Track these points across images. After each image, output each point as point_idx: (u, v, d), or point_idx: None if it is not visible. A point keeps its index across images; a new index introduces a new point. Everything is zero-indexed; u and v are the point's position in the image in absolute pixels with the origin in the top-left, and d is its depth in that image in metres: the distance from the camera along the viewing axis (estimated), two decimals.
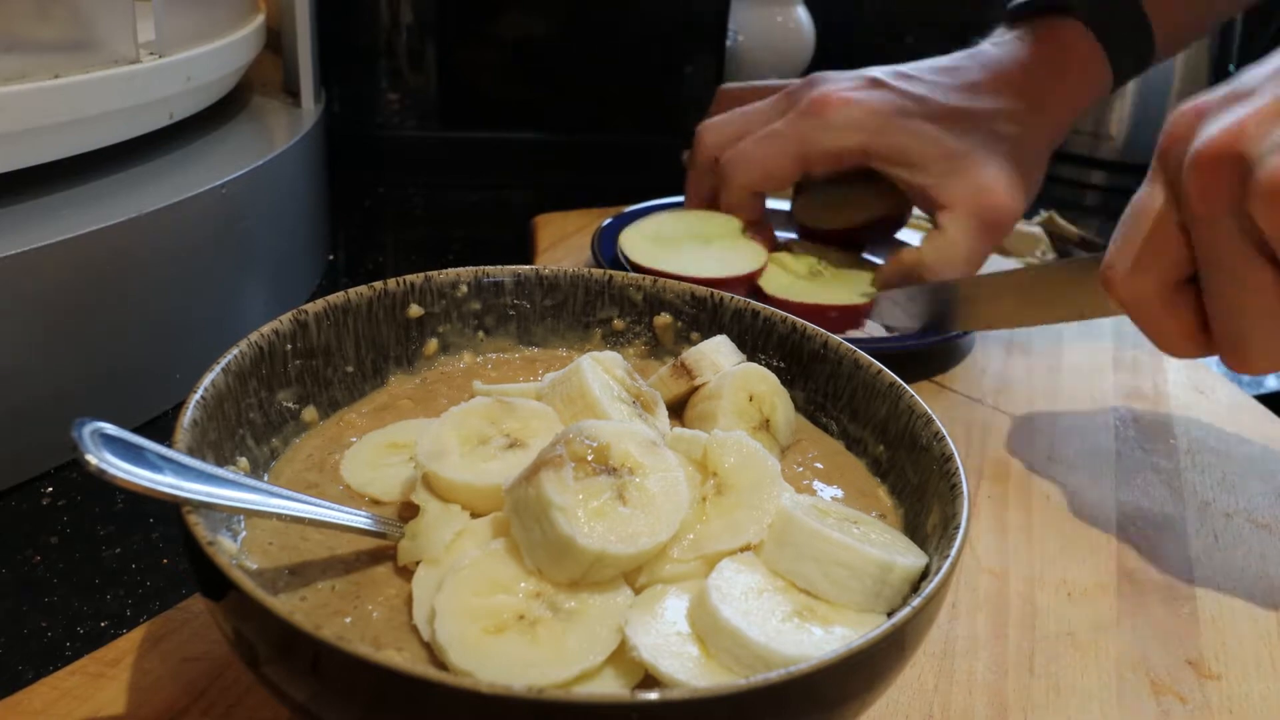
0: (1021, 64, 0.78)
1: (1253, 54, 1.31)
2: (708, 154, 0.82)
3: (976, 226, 0.75)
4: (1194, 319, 0.51)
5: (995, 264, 0.95)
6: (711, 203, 0.83)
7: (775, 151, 0.77)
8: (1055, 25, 0.79)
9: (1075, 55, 0.78)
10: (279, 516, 0.37)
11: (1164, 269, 0.51)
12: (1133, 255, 0.52)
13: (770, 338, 0.54)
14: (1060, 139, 0.81)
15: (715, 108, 0.88)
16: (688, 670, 0.35)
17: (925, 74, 0.79)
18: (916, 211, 0.85)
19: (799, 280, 0.79)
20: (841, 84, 0.78)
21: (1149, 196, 0.51)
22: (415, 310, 0.52)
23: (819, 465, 0.49)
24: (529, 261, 0.91)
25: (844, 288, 0.79)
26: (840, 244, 0.85)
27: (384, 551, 0.41)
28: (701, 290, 0.55)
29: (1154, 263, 0.51)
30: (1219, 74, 1.27)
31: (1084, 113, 0.83)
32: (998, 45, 0.81)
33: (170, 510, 0.34)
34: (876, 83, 0.78)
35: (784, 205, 0.91)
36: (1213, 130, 0.47)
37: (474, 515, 0.40)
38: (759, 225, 0.82)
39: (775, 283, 0.77)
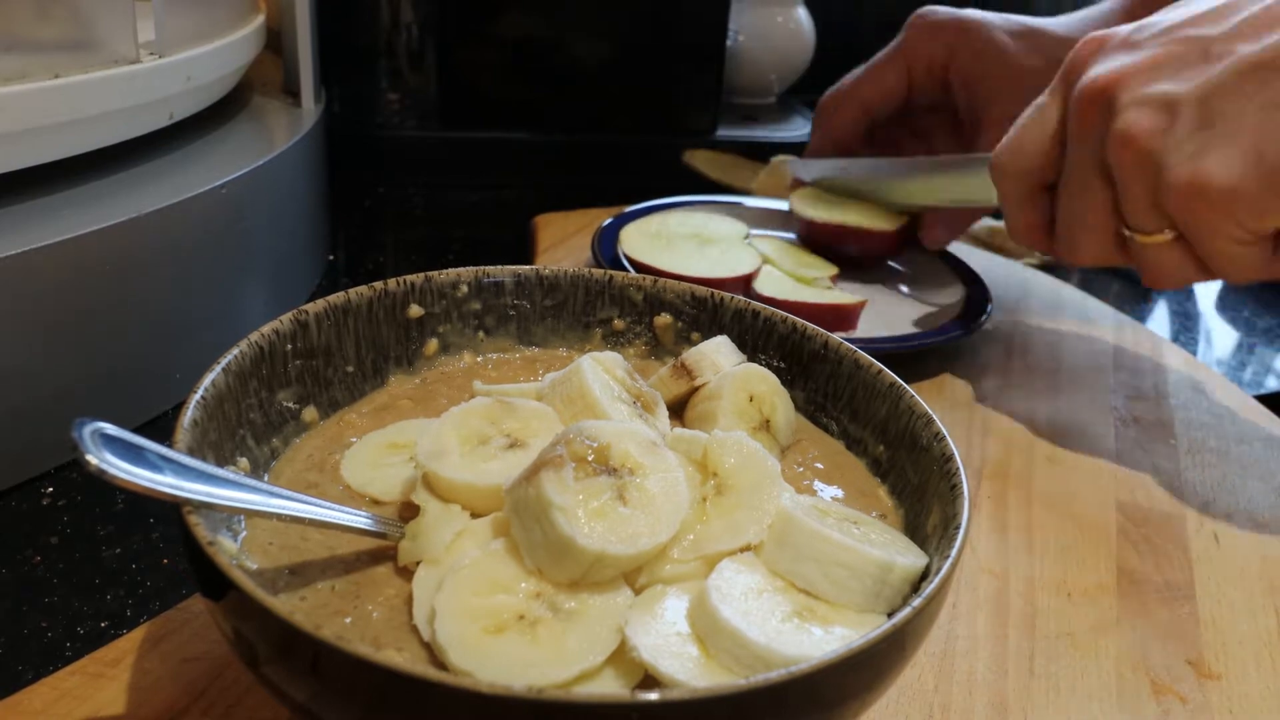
0: None
1: None
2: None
3: None
4: (1044, 216, 0.63)
5: (996, 263, 0.95)
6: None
7: (880, 73, 0.86)
8: None
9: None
10: (279, 516, 0.37)
11: (1038, 170, 0.62)
12: (1019, 152, 0.62)
13: (770, 338, 0.54)
14: None
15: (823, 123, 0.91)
16: (688, 670, 0.35)
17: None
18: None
19: (792, 283, 0.79)
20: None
21: (1046, 108, 0.62)
22: (415, 310, 0.52)
23: (819, 465, 0.49)
24: (529, 261, 0.91)
25: (836, 290, 0.79)
26: (829, 248, 0.85)
27: (384, 551, 0.41)
28: (702, 290, 0.55)
29: (1032, 163, 0.62)
30: None
31: None
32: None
33: (170, 510, 0.34)
34: (949, 10, 0.84)
35: (783, 205, 0.92)
36: (1100, 69, 0.57)
37: (474, 515, 0.40)
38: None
39: (769, 285, 0.78)
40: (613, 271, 0.56)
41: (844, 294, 0.78)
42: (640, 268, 0.76)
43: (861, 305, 0.76)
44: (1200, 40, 0.55)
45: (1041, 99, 0.62)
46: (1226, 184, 0.52)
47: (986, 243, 1.00)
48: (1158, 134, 0.54)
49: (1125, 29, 0.59)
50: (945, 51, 0.82)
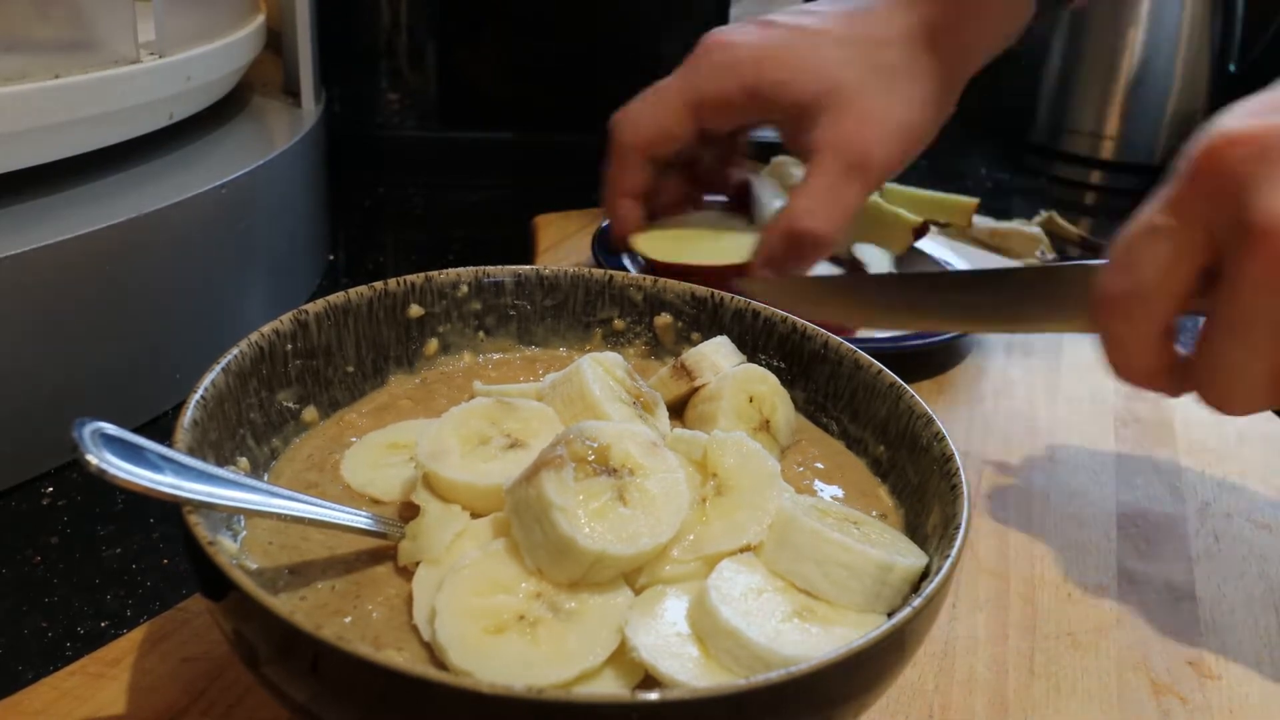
0: None
1: (1252, 54, 1.31)
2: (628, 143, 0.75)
3: (839, 170, 0.67)
4: (1174, 357, 0.48)
5: (996, 263, 0.95)
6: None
7: (663, 103, 0.72)
8: None
9: None
10: (279, 516, 0.37)
11: (1175, 307, 0.46)
12: (1141, 283, 0.46)
13: (770, 338, 0.54)
14: (974, 70, 0.71)
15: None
16: (687, 671, 0.35)
17: (821, 5, 0.73)
18: None
19: (682, 243, 0.74)
20: (730, 30, 0.73)
21: (1175, 221, 0.45)
22: (415, 310, 0.52)
23: (819, 465, 0.49)
24: (529, 261, 0.90)
25: (729, 246, 0.74)
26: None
27: (384, 551, 0.41)
28: (702, 290, 0.55)
29: (1165, 299, 0.46)
30: (1219, 74, 1.27)
31: (1004, 41, 0.72)
32: None
33: (170, 510, 0.34)
34: (766, 23, 0.72)
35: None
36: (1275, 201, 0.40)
37: (474, 515, 0.40)
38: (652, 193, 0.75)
39: (656, 247, 0.73)
40: (613, 271, 0.56)
41: (740, 250, 0.73)
42: (654, 266, 0.74)
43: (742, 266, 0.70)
44: None
45: (1163, 203, 0.45)
46: None
47: (986, 243, 1.00)
48: None
49: (1266, 115, 0.43)
50: (740, 90, 0.70)
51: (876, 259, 0.83)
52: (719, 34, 0.73)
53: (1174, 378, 0.48)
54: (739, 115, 0.73)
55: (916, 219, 0.83)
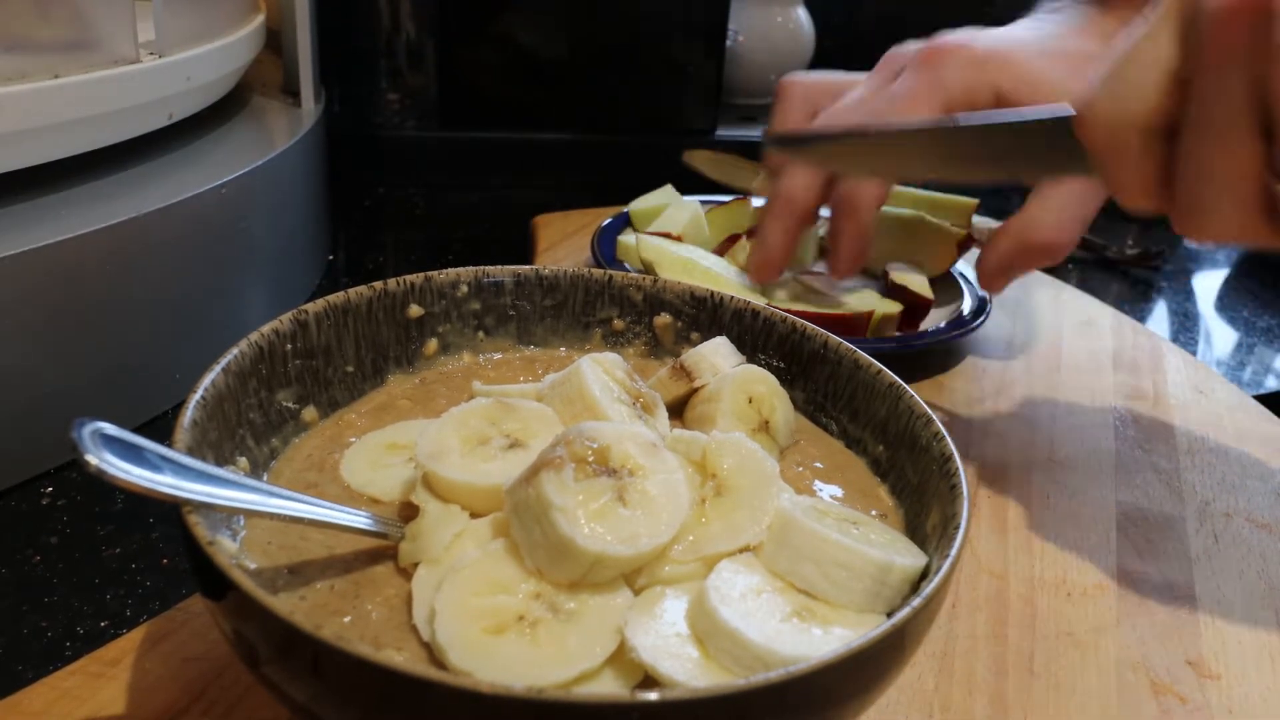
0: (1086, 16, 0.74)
1: None
2: (801, 112, 0.77)
3: (1079, 188, 0.68)
4: (1159, 173, 0.49)
5: None
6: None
7: (915, 106, 0.71)
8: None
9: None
10: (279, 516, 0.37)
11: (1152, 114, 0.48)
12: (1122, 96, 0.48)
13: (770, 338, 0.54)
14: None
15: (784, 102, 0.81)
16: (687, 671, 0.35)
17: (1027, 22, 0.75)
18: None
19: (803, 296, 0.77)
20: (957, 34, 0.74)
21: (1151, 39, 0.48)
22: (415, 310, 0.52)
23: (819, 465, 0.49)
24: (529, 261, 0.91)
25: (847, 298, 0.77)
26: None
27: (384, 551, 0.41)
28: (701, 290, 0.55)
29: (1143, 106, 0.48)
30: None
31: None
32: (1052, 12, 0.77)
33: (170, 510, 0.34)
34: (980, 32, 0.73)
35: None
36: None
37: (474, 516, 0.40)
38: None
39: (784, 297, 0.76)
40: (612, 271, 0.56)
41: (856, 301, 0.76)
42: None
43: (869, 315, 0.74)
44: None
45: (1144, 31, 0.49)
46: None
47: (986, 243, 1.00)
48: None
49: None
50: (988, 87, 0.71)
51: (914, 278, 0.80)
52: (951, 37, 0.73)
53: (1161, 196, 0.49)
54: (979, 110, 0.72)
55: (960, 231, 0.83)
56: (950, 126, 0.62)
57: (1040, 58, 0.72)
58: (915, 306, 0.76)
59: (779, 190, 0.74)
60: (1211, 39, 0.44)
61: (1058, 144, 0.52)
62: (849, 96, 0.77)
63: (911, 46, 0.75)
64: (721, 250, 0.83)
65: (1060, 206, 0.68)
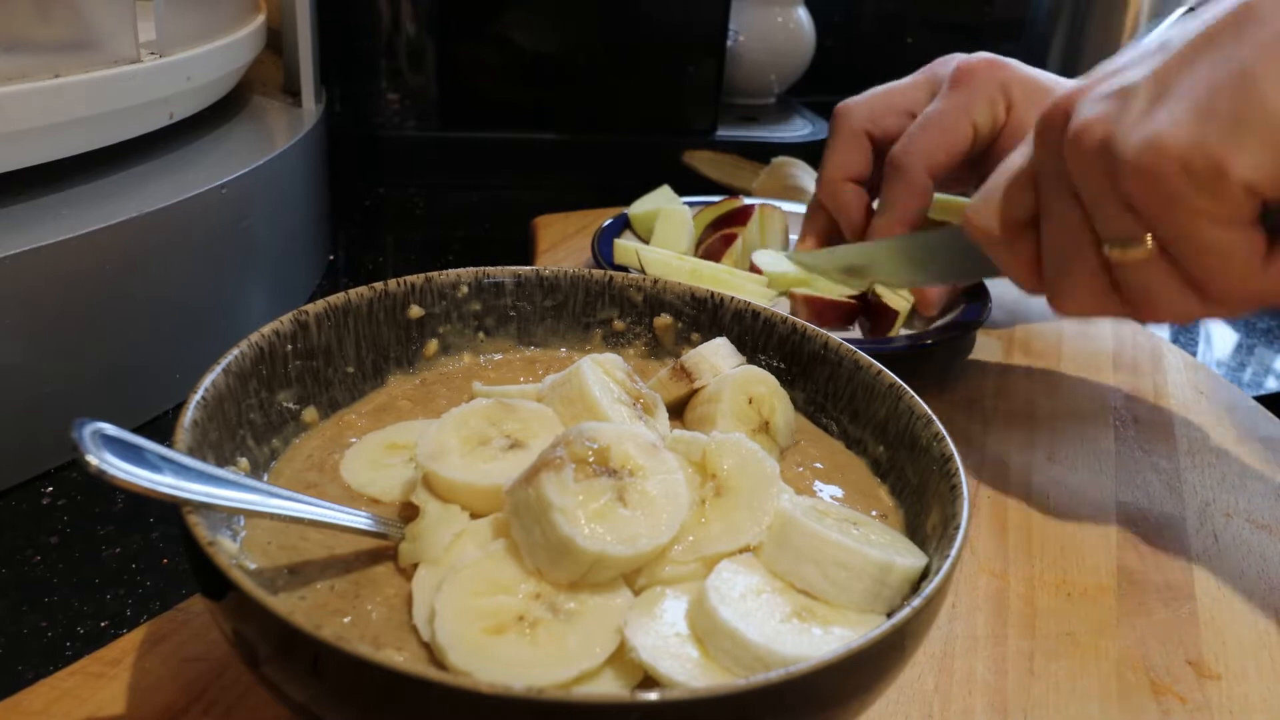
0: None
1: None
2: (857, 126, 0.82)
3: None
4: (1031, 256, 0.58)
5: None
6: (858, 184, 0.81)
7: (941, 134, 0.77)
8: None
9: None
10: (279, 517, 0.37)
11: (1009, 209, 0.58)
12: (990, 198, 0.59)
13: (770, 338, 0.54)
14: None
15: (837, 137, 0.85)
16: (687, 671, 0.35)
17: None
18: None
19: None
20: (974, 55, 0.79)
21: (1018, 156, 0.59)
22: (415, 311, 0.52)
23: (819, 465, 0.49)
24: (529, 262, 0.91)
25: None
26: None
27: (383, 551, 0.41)
28: (701, 291, 0.55)
29: (1004, 204, 0.59)
30: None
31: None
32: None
33: (170, 510, 0.34)
34: (1005, 58, 0.79)
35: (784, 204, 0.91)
36: (1059, 97, 0.54)
37: (474, 516, 0.40)
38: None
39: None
40: (613, 272, 0.56)
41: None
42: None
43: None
44: (1160, 45, 0.52)
45: (1013, 154, 0.59)
46: (1181, 140, 0.47)
47: None
48: (1108, 120, 0.50)
49: (1095, 72, 0.56)
50: (1005, 111, 0.76)
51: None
52: (985, 54, 0.79)
53: (1038, 278, 0.59)
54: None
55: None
56: (904, 239, 0.76)
57: (1058, 88, 0.76)
58: (882, 312, 0.76)
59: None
60: (1035, 142, 0.56)
61: (971, 246, 0.63)
62: (901, 122, 0.82)
63: (954, 60, 0.80)
64: (717, 252, 0.82)
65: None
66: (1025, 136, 0.73)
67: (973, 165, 0.79)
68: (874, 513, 0.46)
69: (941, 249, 0.71)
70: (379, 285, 0.50)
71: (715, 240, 0.83)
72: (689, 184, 1.01)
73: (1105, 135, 0.50)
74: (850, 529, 0.40)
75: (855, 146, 0.82)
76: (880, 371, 0.49)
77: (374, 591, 0.39)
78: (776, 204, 0.89)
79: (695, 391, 0.50)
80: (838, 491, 0.47)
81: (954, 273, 0.73)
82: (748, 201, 0.85)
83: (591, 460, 0.38)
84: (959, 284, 0.80)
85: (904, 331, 0.76)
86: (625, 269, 0.77)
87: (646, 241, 0.86)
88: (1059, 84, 0.78)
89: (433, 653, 0.35)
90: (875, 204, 0.80)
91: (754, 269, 0.79)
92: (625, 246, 0.79)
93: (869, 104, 0.82)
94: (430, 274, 0.52)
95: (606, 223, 0.86)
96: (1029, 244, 0.59)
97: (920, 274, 0.74)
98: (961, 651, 0.49)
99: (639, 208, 0.89)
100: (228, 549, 0.37)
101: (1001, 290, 0.89)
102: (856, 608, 0.38)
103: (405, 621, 0.37)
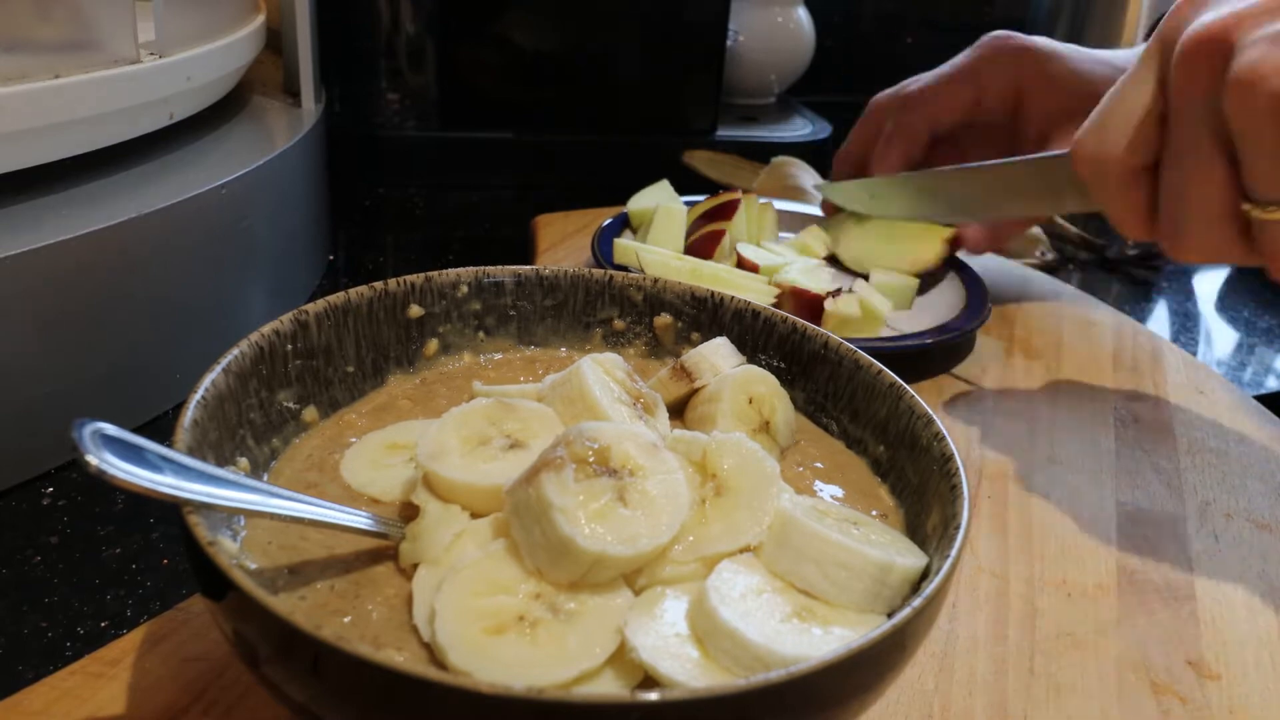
0: None
1: None
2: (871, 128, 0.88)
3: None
4: (1146, 202, 0.54)
5: (996, 263, 0.95)
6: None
7: (942, 95, 0.83)
8: None
9: None
10: (279, 516, 0.37)
11: (1132, 150, 0.54)
12: (1106, 133, 0.54)
13: (770, 338, 0.54)
14: None
15: (861, 121, 0.90)
16: (687, 671, 0.35)
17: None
18: None
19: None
20: (1004, 32, 0.84)
21: (1134, 81, 0.53)
22: (415, 310, 0.52)
23: (819, 465, 0.49)
24: (529, 262, 0.91)
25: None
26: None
27: (384, 551, 0.41)
28: (701, 290, 0.55)
29: (1124, 142, 0.54)
30: None
31: None
32: None
33: (170, 510, 0.34)
34: (1033, 38, 0.83)
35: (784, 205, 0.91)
36: (1206, 18, 0.48)
37: (474, 516, 0.40)
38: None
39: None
40: (613, 271, 0.56)
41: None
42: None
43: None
44: None
45: (1128, 74, 0.54)
46: None
47: None
48: (1267, 58, 0.45)
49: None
50: (1021, 79, 0.80)
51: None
52: (1011, 32, 0.84)
53: (1150, 223, 0.56)
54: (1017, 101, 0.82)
55: (950, 228, 0.83)
56: (971, 167, 0.75)
57: (1086, 61, 0.79)
58: (811, 302, 0.76)
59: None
60: (1179, 75, 0.49)
61: (1063, 179, 0.59)
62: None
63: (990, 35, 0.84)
64: (707, 248, 0.82)
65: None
66: (1054, 98, 0.78)
67: (990, 131, 0.83)
68: (874, 513, 0.46)
69: (997, 183, 0.72)
70: (379, 285, 0.50)
71: (701, 236, 0.83)
72: (689, 184, 1.01)
73: (1268, 71, 0.45)
74: (850, 529, 0.40)
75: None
76: (880, 371, 0.49)
77: (374, 591, 0.39)
78: (765, 200, 0.89)
79: (695, 391, 0.50)
80: (838, 491, 0.47)
81: (991, 208, 0.74)
82: (729, 197, 0.85)
83: (592, 460, 0.38)
84: (999, 221, 0.82)
85: (904, 331, 0.76)
86: (625, 268, 0.77)
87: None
88: (1070, 49, 0.80)
89: (433, 653, 0.35)
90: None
91: (741, 262, 0.79)
92: (625, 246, 0.79)
93: (891, 93, 0.89)
94: (430, 273, 0.52)
95: (606, 222, 0.86)
96: (1146, 188, 0.54)
97: (945, 209, 0.76)
98: (961, 651, 0.49)
99: (637, 203, 0.90)
100: (228, 549, 0.37)
101: (1001, 290, 0.89)
102: (857, 608, 0.38)
103: (405, 621, 0.37)
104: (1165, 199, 0.53)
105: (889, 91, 0.89)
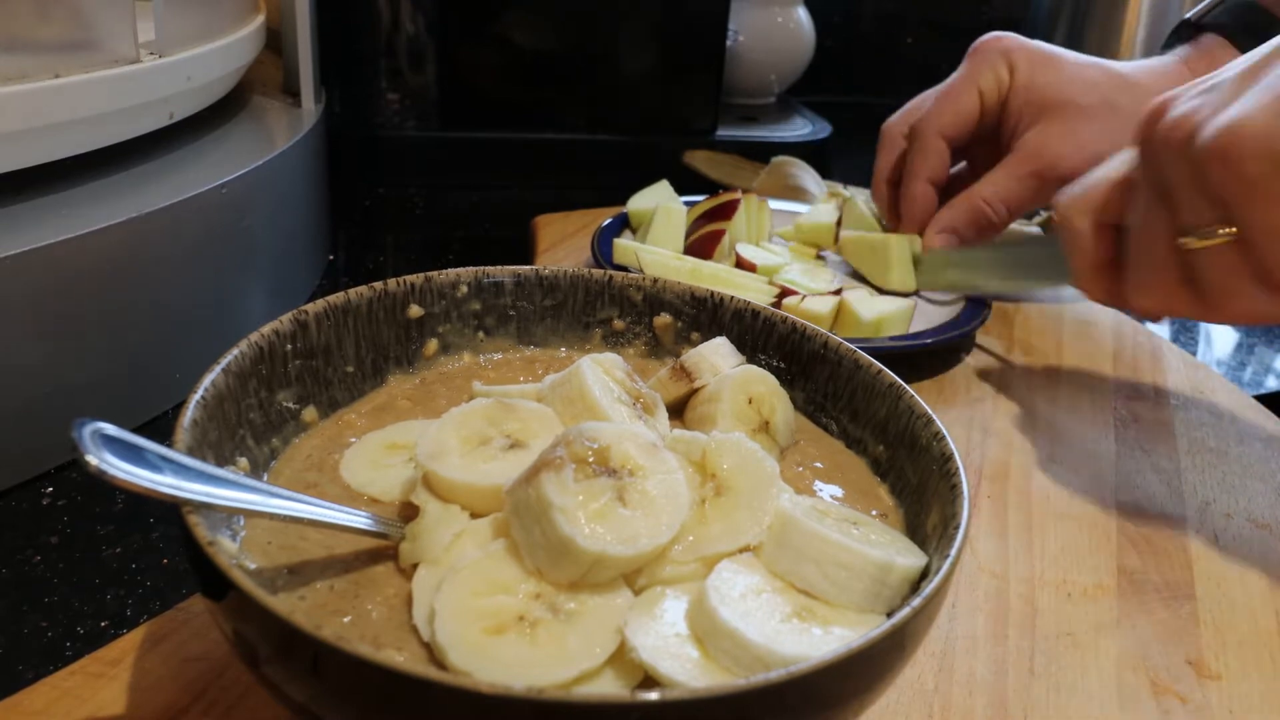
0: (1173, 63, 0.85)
1: None
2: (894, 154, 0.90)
3: (1023, 170, 0.81)
4: (1107, 257, 0.61)
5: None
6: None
7: (947, 103, 0.86)
8: (1202, 42, 0.84)
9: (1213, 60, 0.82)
10: (279, 516, 0.37)
11: (1103, 206, 0.61)
12: (1085, 188, 0.62)
13: (770, 338, 0.54)
14: None
15: (881, 149, 0.92)
16: (687, 671, 0.35)
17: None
18: None
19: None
20: (994, 34, 0.87)
21: (1121, 160, 0.61)
22: (415, 310, 0.52)
23: (819, 465, 0.49)
24: (529, 262, 0.91)
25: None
26: None
27: (383, 551, 0.41)
28: (701, 290, 0.55)
29: (1097, 200, 0.61)
30: None
31: None
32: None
33: (170, 510, 0.34)
34: (1024, 39, 0.86)
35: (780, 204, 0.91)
36: (1178, 109, 0.55)
37: (474, 516, 0.40)
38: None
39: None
40: (612, 271, 0.56)
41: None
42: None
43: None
44: (1247, 57, 0.54)
45: (1116, 157, 0.62)
46: (1259, 123, 0.48)
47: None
48: (1194, 113, 0.52)
49: (1197, 83, 0.56)
50: (1005, 77, 0.83)
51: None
52: (1001, 33, 0.87)
53: (1107, 279, 0.62)
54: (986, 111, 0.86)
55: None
56: (985, 246, 0.83)
57: (1070, 65, 0.83)
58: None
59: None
60: (1138, 148, 0.57)
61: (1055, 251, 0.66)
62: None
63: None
64: (707, 248, 0.82)
65: (999, 183, 0.82)
66: (1030, 98, 0.82)
67: (988, 134, 0.85)
68: (874, 512, 0.46)
69: (1025, 257, 0.79)
70: (379, 285, 0.50)
71: (701, 236, 0.83)
72: (689, 184, 1.01)
73: (1189, 128, 0.52)
74: (850, 529, 0.40)
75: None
76: (880, 371, 0.49)
77: (374, 591, 0.39)
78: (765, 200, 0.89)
79: (695, 391, 0.50)
80: (838, 491, 0.47)
81: (1029, 281, 0.82)
82: (729, 197, 0.86)
83: (591, 460, 0.38)
84: (1029, 291, 0.88)
85: (902, 331, 0.76)
86: (625, 268, 0.77)
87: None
88: (1062, 53, 0.84)
89: (433, 653, 0.35)
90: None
91: (740, 262, 0.80)
92: (625, 246, 0.79)
93: (904, 115, 0.91)
94: (430, 274, 0.52)
95: (606, 222, 0.86)
96: (1108, 244, 0.61)
97: (1006, 281, 0.82)
98: (961, 651, 0.49)
99: (637, 203, 0.90)
100: (228, 549, 0.37)
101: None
102: (856, 607, 0.38)
103: (405, 621, 0.37)
104: (1126, 246, 0.59)
105: (897, 115, 0.91)
